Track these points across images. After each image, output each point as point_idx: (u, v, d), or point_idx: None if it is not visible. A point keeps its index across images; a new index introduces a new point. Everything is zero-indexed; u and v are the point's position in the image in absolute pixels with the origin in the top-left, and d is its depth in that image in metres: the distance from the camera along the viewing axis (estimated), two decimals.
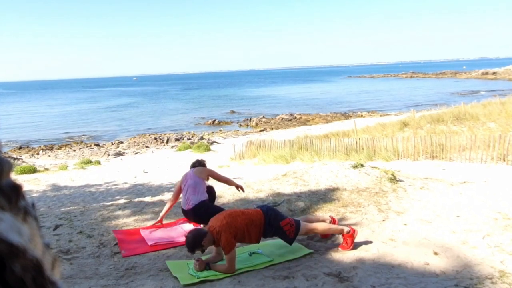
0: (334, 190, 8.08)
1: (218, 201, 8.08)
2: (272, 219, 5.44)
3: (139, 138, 35.10)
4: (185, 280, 4.91)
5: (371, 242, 5.73)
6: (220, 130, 38.83)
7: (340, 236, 5.82)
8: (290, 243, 5.55)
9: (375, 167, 9.34)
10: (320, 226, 5.75)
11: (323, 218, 6.08)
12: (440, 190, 7.88)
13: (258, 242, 5.55)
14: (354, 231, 5.68)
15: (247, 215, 5.38)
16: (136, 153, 27.14)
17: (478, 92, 59.20)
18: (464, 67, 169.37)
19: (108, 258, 5.85)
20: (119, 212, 8.00)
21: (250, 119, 43.92)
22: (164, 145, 30.41)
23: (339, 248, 5.63)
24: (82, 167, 18.55)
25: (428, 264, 4.89)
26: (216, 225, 5.16)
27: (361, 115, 41.63)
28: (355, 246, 5.62)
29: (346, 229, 5.68)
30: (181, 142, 30.14)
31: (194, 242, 5.10)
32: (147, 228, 6.95)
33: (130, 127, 43.93)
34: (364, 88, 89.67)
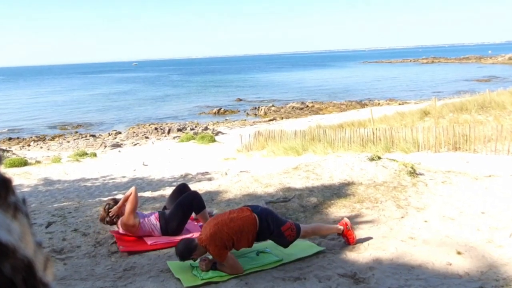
0: (349, 184, 8.07)
1: (224, 197, 8.08)
2: (273, 225, 5.35)
3: (139, 128, 35.20)
4: (188, 281, 4.91)
5: (389, 240, 5.73)
6: (226, 120, 38.83)
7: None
8: (286, 246, 5.54)
9: (394, 160, 9.32)
10: (318, 229, 5.87)
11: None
12: (464, 185, 7.86)
13: (250, 246, 5.50)
14: (346, 224, 5.79)
15: (237, 222, 5.22)
16: (135, 145, 27.21)
17: (505, 78, 58.86)
18: (490, 51, 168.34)
19: (105, 258, 5.87)
20: None
21: (258, 107, 43.81)
22: (165, 136, 30.46)
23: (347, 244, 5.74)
24: (77, 160, 18.61)
25: (450, 264, 4.89)
26: (203, 236, 5.12)
27: (378, 104, 41.45)
28: (372, 244, 5.63)
29: (340, 227, 5.78)
30: (183, 132, 30.15)
31: (182, 255, 5.20)
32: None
33: (129, 116, 43.98)
34: (381, 74, 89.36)
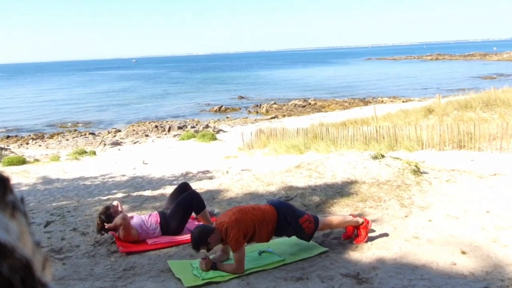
0: (352, 183, 8.07)
1: (225, 195, 8.08)
2: (290, 217, 5.41)
3: (138, 126, 35.12)
4: (188, 281, 4.91)
5: (392, 240, 5.72)
6: (227, 117, 38.78)
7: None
8: (308, 240, 5.58)
9: (397, 158, 9.31)
10: (335, 219, 5.82)
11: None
12: (469, 183, 7.85)
13: (268, 241, 5.53)
14: (368, 222, 5.78)
15: (258, 211, 5.35)
16: (135, 143, 27.20)
17: (510, 75, 58.82)
18: (495, 48, 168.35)
19: (104, 257, 5.87)
20: None
21: (260, 105, 43.72)
22: (165, 134, 30.44)
23: (354, 242, 5.71)
24: (76, 158, 18.62)
25: (455, 264, 4.88)
26: (225, 220, 5.15)
27: (382, 101, 41.41)
28: (375, 244, 5.63)
29: (360, 220, 5.75)
30: (184, 130, 30.13)
31: (199, 238, 5.08)
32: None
33: (129, 114, 43.95)
34: (385, 71, 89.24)
